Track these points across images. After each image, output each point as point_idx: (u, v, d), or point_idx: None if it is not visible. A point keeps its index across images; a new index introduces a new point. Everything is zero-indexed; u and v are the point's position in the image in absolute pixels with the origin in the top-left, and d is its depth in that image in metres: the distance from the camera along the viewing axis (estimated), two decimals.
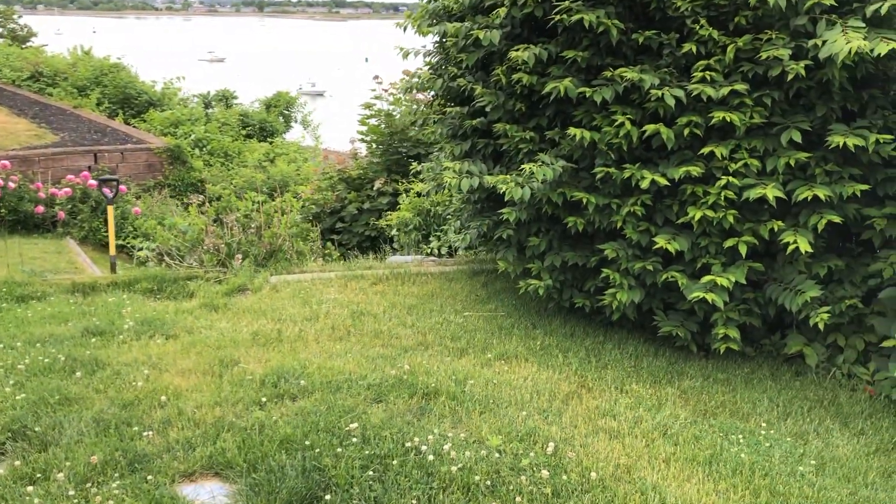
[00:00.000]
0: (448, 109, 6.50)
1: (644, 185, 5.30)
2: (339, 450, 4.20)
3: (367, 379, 5.17)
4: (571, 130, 5.44)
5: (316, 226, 13.27)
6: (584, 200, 5.59)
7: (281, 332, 6.35)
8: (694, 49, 5.21)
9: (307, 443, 4.26)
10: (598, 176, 5.53)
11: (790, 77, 4.85)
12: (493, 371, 5.55)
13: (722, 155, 5.15)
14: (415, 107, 14.70)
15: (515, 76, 5.74)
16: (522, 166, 5.54)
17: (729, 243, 5.36)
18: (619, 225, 5.66)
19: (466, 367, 5.59)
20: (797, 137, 5.02)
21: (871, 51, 4.58)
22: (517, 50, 5.56)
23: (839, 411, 5.30)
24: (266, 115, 27.53)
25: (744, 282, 5.40)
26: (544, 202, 5.82)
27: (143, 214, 13.35)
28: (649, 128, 5.21)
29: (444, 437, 4.41)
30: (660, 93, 5.09)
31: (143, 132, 18.88)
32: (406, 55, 7.06)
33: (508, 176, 5.77)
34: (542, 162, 5.56)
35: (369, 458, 4.08)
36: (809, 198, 5.02)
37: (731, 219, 5.28)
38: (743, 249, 5.32)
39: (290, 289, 7.80)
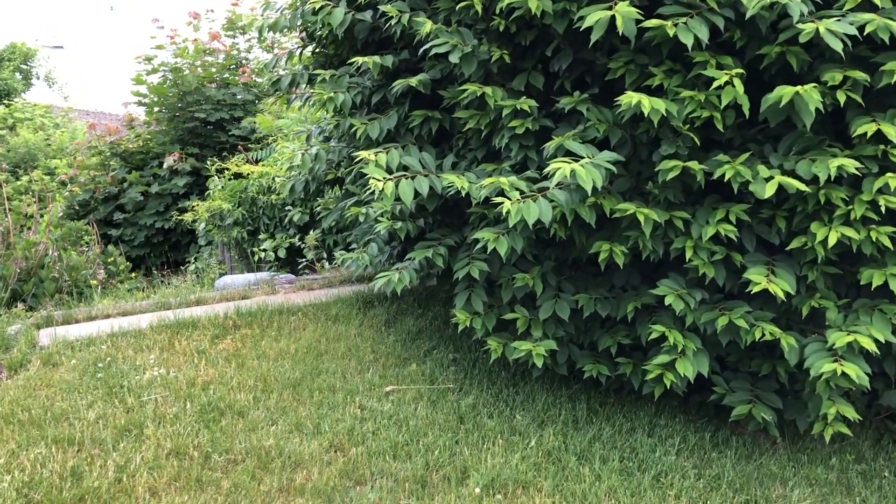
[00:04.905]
0: (356, 59, 3.78)
1: (765, 192, 3.01)
2: None
3: None
4: (629, 97, 2.99)
5: (90, 222, 9.81)
6: (642, 218, 3.20)
7: (80, 474, 3.44)
8: None
9: None
10: (669, 175, 3.16)
11: None
12: None
13: None
14: (209, 58, 11.44)
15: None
16: (551, 165, 3.02)
17: (877, 279, 3.24)
18: (689, 255, 3.35)
19: None
20: None
21: None
22: None
23: None
24: None
25: (893, 339, 3.32)
26: (564, 222, 3.36)
27: None
28: (786, 90, 2.89)
29: None
30: (813, 27, 2.78)
31: None
32: None
33: (504, 178, 3.24)
34: (575, 155, 3.10)
35: None
36: None
37: (886, 241, 3.15)
38: None
39: (79, 359, 4.74)
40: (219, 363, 4.67)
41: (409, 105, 3.98)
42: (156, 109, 11.35)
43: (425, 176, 3.58)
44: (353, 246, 4.39)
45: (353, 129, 3.95)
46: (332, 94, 3.91)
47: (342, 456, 3.66)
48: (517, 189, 3.22)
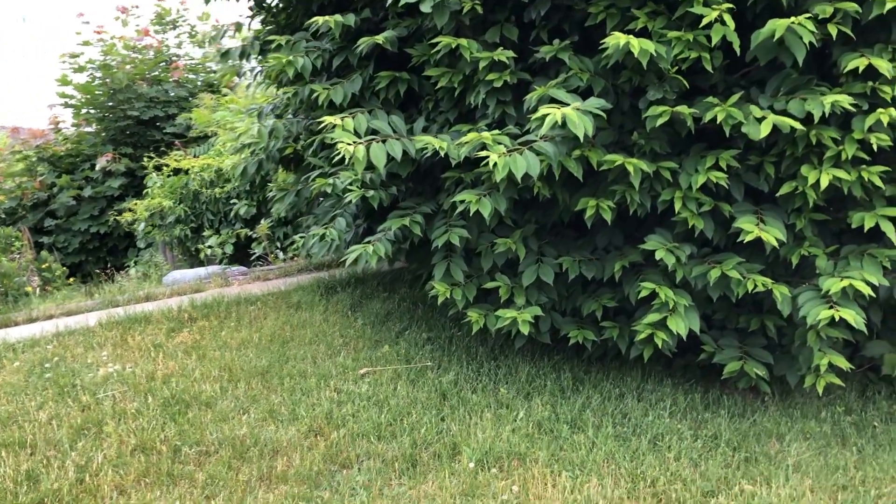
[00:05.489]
0: (315, 20, 3.56)
1: (759, 132, 2.92)
2: None
3: None
4: (615, 38, 2.85)
5: (20, 229, 9.29)
6: (631, 168, 3.07)
7: (37, 477, 3.14)
8: None
9: None
10: (658, 121, 3.03)
11: None
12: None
13: (891, 73, 2.90)
14: (137, 56, 10.95)
15: None
16: (540, 110, 2.86)
17: (868, 221, 3.19)
18: (678, 207, 3.23)
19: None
20: None
21: None
22: None
23: None
24: None
25: (885, 283, 3.27)
26: (548, 180, 3.22)
27: None
28: (779, 23, 2.78)
29: None
30: None
31: None
32: None
33: (486, 133, 3.07)
34: (560, 103, 2.94)
35: None
36: None
37: (877, 180, 3.09)
38: (890, 230, 3.17)
39: (24, 360, 4.39)
40: (178, 356, 4.38)
41: (374, 67, 3.78)
42: (84, 110, 10.83)
43: (397, 139, 3.38)
44: (314, 229, 4.16)
45: (315, 95, 3.72)
46: (290, 59, 3.67)
47: (323, 440, 3.43)
48: (500, 144, 3.05)
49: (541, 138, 3.04)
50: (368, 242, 3.67)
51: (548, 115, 2.81)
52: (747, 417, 3.72)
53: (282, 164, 4.90)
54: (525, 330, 3.54)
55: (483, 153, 2.99)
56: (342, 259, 3.73)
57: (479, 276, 3.79)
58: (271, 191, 5.69)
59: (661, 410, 3.72)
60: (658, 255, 3.28)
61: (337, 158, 3.47)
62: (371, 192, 3.57)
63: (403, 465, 3.24)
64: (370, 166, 3.29)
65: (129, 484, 3.11)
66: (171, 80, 10.93)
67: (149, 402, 3.78)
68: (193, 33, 11.75)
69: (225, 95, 9.98)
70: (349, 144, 3.23)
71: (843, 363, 3.49)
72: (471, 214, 3.27)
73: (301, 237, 4.58)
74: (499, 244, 3.56)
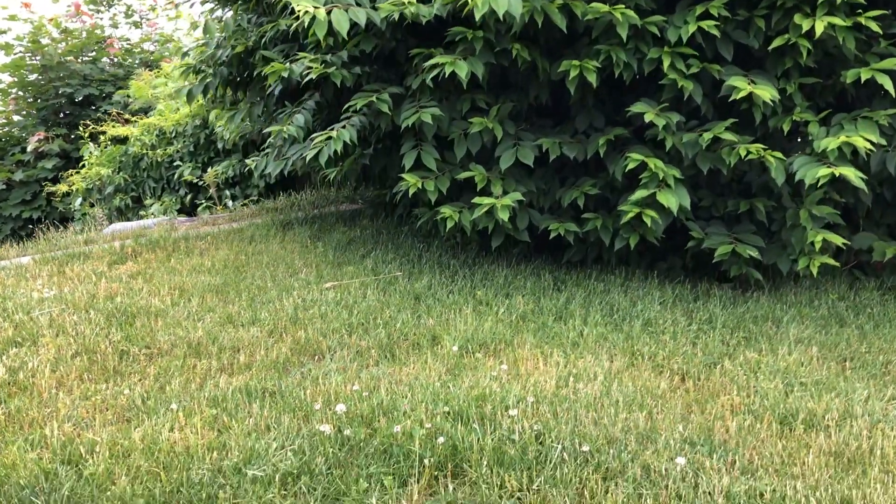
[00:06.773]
0: None
1: None
2: None
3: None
4: None
5: None
6: (619, 15, 2.86)
7: None
8: None
9: None
10: None
11: None
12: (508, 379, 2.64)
13: None
14: (69, 36, 10.43)
15: None
16: None
17: (864, 74, 3.02)
18: (666, 66, 3.03)
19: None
20: None
21: None
22: None
23: None
24: None
25: (883, 142, 3.11)
26: (527, 41, 2.98)
27: None
28: None
29: None
30: None
31: None
32: None
33: None
34: None
35: None
36: None
37: (873, 25, 2.94)
38: (887, 83, 3.01)
39: None
40: (122, 280, 4.00)
41: None
42: (13, 92, 10.26)
43: (360, 7, 3.11)
44: (272, 126, 3.81)
45: None
46: None
47: (289, 337, 3.11)
48: None
49: None
50: (331, 129, 3.37)
51: None
52: (739, 306, 3.52)
53: (230, 86, 4.56)
54: (504, 216, 3.28)
55: None
56: (303, 156, 3.43)
57: (451, 169, 3.52)
58: (219, 125, 5.33)
59: (650, 302, 3.49)
60: (647, 118, 3.07)
61: (294, 29, 3.17)
62: (332, 69, 3.27)
63: (381, 353, 2.95)
64: (332, 47, 3.01)
65: (71, 380, 2.75)
66: (104, 58, 10.44)
67: (91, 317, 3.40)
68: (130, 13, 11.28)
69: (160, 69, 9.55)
70: (309, 9, 2.94)
71: (838, 239, 3.33)
72: (446, 76, 3.00)
73: (253, 160, 4.25)
74: (474, 124, 3.30)
